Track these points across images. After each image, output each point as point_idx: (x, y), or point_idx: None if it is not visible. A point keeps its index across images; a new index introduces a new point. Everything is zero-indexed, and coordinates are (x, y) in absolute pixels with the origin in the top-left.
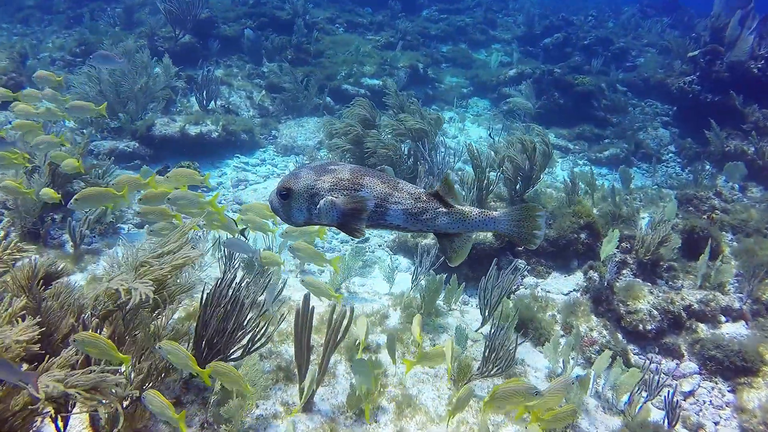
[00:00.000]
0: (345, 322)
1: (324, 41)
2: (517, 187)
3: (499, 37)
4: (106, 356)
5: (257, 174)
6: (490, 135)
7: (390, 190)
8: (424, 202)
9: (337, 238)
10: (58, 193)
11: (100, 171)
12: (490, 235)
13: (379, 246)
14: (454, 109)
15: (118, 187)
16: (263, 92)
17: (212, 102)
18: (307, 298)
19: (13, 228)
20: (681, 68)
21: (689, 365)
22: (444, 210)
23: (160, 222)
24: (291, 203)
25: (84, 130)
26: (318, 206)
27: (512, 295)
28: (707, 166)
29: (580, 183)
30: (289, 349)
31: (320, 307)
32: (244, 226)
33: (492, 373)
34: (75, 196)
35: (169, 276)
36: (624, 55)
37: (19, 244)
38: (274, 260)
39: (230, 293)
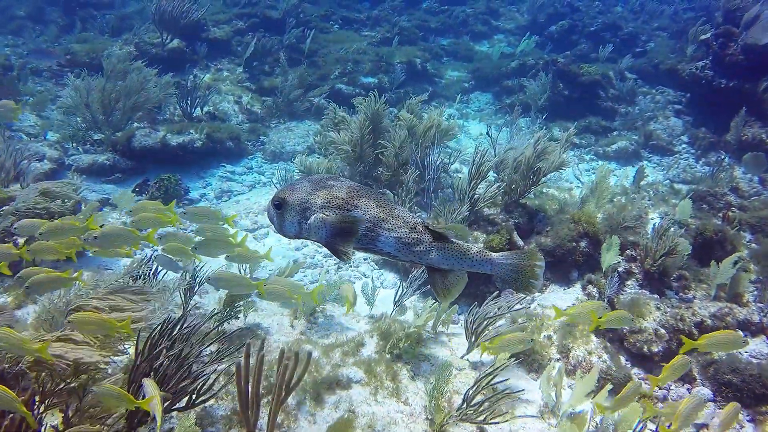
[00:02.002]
0: (300, 370)
1: (318, 39)
2: (511, 193)
3: (503, 28)
4: None
5: (243, 183)
6: (488, 133)
7: (384, 215)
8: (419, 233)
9: (320, 253)
10: None
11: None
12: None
13: (365, 260)
14: (454, 105)
15: None
16: (250, 96)
17: (198, 109)
18: (249, 346)
19: None
20: (693, 52)
21: (702, 391)
22: (440, 244)
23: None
24: (284, 215)
25: (66, 144)
26: (309, 222)
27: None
28: (724, 157)
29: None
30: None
31: (287, 334)
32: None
33: (474, 420)
34: None
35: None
36: (633, 40)
37: None
38: (180, 250)
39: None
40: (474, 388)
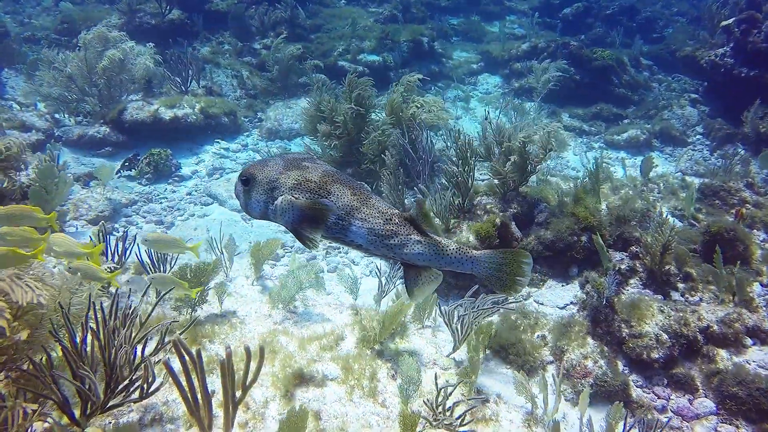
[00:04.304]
0: (254, 367)
1: (322, 14)
2: (509, 181)
3: (515, 8)
4: None
5: (236, 161)
6: (486, 118)
7: (359, 204)
8: (395, 225)
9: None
10: None
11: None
12: (472, 237)
13: None
14: (459, 86)
15: None
16: (250, 71)
17: (194, 83)
18: (178, 343)
19: None
20: (712, 39)
21: (705, 403)
22: (417, 238)
23: None
24: (251, 192)
25: (57, 114)
26: (276, 202)
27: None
28: (740, 150)
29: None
30: (214, 381)
31: (263, 324)
32: None
33: (448, 426)
34: None
35: None
36: (650, 25)
37: None
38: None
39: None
40: (439, 397)
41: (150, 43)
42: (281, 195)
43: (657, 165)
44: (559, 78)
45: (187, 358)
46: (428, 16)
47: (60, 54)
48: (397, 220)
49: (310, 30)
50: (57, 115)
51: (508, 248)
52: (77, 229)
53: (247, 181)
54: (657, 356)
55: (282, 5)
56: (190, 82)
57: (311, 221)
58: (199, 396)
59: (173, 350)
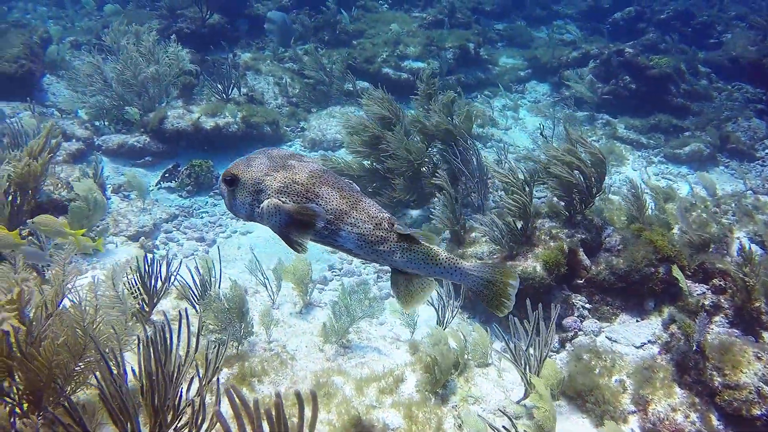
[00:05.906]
0: (309, 416)
1: (365, 19)
2: (574, 201)
3: (562, 12)
4: None
5: None
6: (541, 133)
7: (348, 207)
8: (384, 231)
9: (336, 253)
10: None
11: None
12: (539, 267)
13: None
14: (507, 94)
15: None
16: (288, 78)
17: (235, 90)
18: (232, 391)
19: None
20: None
21: None
22: (406, 245)
23: None
24: (235, 193)
25: (96, 122)
26: (261, 206)
27: (568, 344)
28: None
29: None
30: None
31: (315, 360)
32: None
33: None
34: None
35: None
36: (707, 30)
37: None
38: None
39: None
40: None
41: (172, 35)
42: (267, 198)
43: (716, 182)
44: (616, 84)
45: (241, 409)
46: (473, 21)
47: (87, 54)
48: (386, 225)
49: (353, 35)
50: (96, 123)
51: (498, 264)
52: (117, 246)
53: (231, 182)
54: (759, 413)
55: (325, 10)
56: (232, 89)
57: (299, 226)
58: None
59: (221, 392)
